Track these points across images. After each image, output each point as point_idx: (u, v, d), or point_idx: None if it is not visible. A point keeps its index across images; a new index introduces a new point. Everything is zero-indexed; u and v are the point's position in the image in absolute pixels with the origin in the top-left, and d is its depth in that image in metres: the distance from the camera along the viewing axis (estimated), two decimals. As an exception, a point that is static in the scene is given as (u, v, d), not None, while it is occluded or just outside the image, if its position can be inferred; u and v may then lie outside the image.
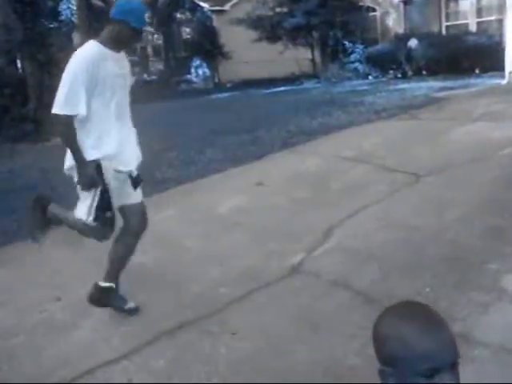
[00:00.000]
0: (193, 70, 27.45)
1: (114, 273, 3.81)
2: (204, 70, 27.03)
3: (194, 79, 27.10)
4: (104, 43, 3.53)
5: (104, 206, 3.58)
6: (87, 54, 3.45)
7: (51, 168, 7.49)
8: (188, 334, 3.68)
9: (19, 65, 16.19)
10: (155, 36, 33.73)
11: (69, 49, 16.73)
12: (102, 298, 3.82)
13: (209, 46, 25.97)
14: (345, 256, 4.64)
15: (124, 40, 3.57)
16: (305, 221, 5.56)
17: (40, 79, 14.40)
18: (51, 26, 17.47)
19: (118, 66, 3.59)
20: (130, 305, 3.90)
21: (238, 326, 3.69)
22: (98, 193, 3.54)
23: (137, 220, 3.74)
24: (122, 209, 3.72)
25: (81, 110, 3.39)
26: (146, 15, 3.59)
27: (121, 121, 3.62)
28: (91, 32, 20.61)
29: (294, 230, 5.32)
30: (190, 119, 13.48)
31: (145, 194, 3.93)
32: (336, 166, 7.56)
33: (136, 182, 3.71)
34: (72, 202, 3.72)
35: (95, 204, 3.56)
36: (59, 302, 4.01)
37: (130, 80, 3.77)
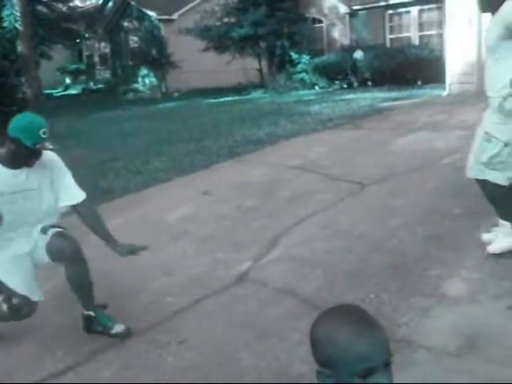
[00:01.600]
0: (140, 79, 27.26)
1: (84, 301, 3.70)
2: (151, 79, 26.86)
3: (141, 88, 26.89)
4: (2, 161, 3.41)
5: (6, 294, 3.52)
6: None
7: None
8: (135, 344, 3.66)
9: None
10: (102, 44, 33.36)
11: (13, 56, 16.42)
12: (89, 326, 3.72)
13: (156, 55, 25.86)
14: (291, 264, 4.69)
15: (20, 158, 3.41)
16: (251, 229, 5.60)
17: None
18: (-7, 32, 17.14)
19: (17, 183, 3.44)
20: (117, 329, 3.71)
21: (185, 335, 3.70)
22: None
23: (61, 248, 3.59)
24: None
25: None
26: (43, 131, 3.35)
27: (21, 233, 3.52)
28: (35, 39, 20.29)
29: (240, 239, 5.35)
30: (137, 128, 13.36)
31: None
32: (282, 175, 7.63)
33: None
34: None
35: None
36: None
37: (46, 190, 3.58)
